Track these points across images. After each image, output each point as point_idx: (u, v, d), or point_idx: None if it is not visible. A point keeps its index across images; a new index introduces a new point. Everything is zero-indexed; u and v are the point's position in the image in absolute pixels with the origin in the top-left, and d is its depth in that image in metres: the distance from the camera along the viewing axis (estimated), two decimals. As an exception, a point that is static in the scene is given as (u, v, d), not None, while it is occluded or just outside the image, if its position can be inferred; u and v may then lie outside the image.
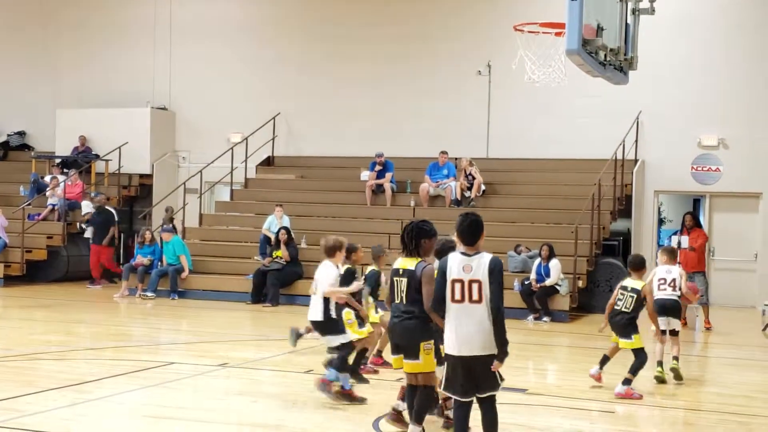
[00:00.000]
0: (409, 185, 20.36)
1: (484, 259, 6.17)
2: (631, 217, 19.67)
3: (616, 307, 9.67)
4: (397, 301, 6.91)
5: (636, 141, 19.70)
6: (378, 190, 20.18)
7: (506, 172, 20.27)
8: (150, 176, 23.14)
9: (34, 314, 15.81)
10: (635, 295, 9.56)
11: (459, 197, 19.26)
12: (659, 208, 20.60)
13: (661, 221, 21.13)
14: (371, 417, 7.99)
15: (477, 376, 6.18)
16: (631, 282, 9.69)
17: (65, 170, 22.23)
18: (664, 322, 10.44)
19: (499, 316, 6.14)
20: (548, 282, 15.67)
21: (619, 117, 19.39)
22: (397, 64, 21.85)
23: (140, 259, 18.61)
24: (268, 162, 22.72)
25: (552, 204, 19.03)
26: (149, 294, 17.97)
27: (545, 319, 15.64)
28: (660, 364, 10.17)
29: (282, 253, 17.84)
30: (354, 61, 22.21)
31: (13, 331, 13.73)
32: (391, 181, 20.08)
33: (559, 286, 15.81)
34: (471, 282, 6.11)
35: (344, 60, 22.29)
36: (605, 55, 7.68)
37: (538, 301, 15.80)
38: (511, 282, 16.60)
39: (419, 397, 6.89)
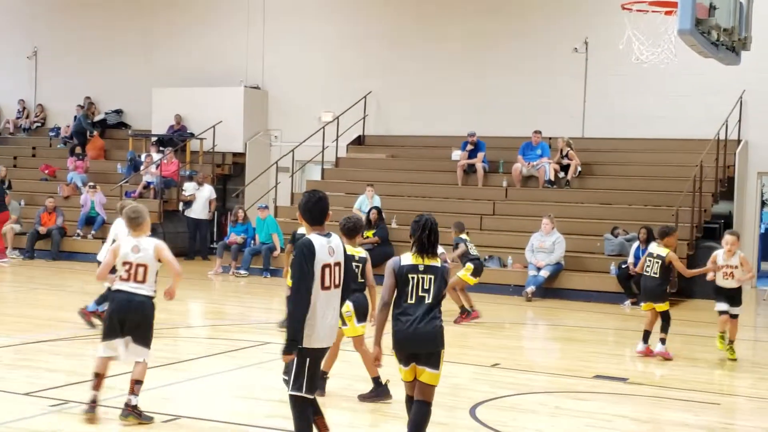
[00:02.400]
0: (501, 165, 20.05)
1: (336, 239, 5.79)
2: (733, 199, 19.01)
3: (645, 273, 10.78)
4: (411, 302, 5.96)
5: (739, 121, 18.98)
6: (469, 170, 19.92)
7: (603, 152, 19.78)
8: (243, 155, 23.35)
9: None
10: (660, 261, 10.58)
11: (553, 178, 18.89)
12: (762, 191, 19.86)
13: (763, 203, 20.40)
14: (468, 403, 7.84)
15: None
16: (656, 249, 10.75)
17: (161, 148, 22.59)
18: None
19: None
20: (647, 266, 15.22)
21: (721, 96, 18.70)
22: (489, 41, 21.49)
23: (234, 237, 18.82)
24: (359, 141, 22.66)
25: (650, 185, 18.49)
26: (242, 272, 18.16)
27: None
28: (729, 342, 10.76)
29: (372, 233, 17.79)
30: (445, 39, 21.93)
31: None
32: (483, 161, 19.79)
33: (658, 270, 15.34)
34: (336, 265, 5.72)
35: (436, 37, 22.03)
36: (718, 35, 7.33)
37: (636, 286, 15.38)
38: (607, 265, 16.26)
39: (426, 412, 5.99)
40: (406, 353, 5.95)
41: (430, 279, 5.96)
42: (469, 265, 12.92)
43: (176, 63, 24.36)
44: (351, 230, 7.86)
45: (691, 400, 8.72)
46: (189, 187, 21.10)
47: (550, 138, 19.55)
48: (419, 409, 5.96)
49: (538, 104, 20.70)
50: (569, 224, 17.26)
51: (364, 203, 18.73)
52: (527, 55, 21.05)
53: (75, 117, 24.59)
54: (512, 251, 17.24)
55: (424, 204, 19.37)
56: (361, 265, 7.96)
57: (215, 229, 22.58)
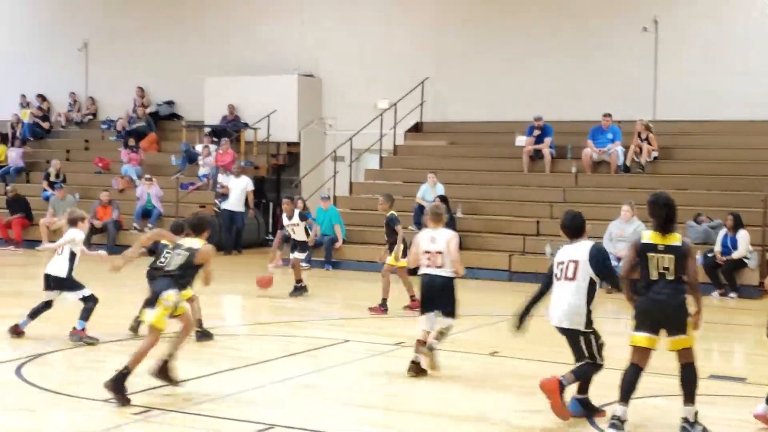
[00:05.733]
0: (569, 150, 19.28)
1: (583, 246, 7.20)
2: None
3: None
4: (654, 278, 6.78)
5: (821, 100, 18.09)
6: (536, 156, 19.18)
7: (676, 135, 18.93)
8: (297, 144, 22.79)
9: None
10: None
11: (628, 163, 18.07)
12: None
13: None
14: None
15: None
16: None
17: (215, 139, 22.09)
18: None
19: None
20: (736, 255, 14.43)
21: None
22: (552, 21, 20.71)
23: (294, 229, 18.20)
24: (417, 128, 21.99)
25: (730, 170, 17.65)
26: (304, 265, 17.53)
27: (732, 295, 14.42)
28: None
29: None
30: (506, 19, 21.22)
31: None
32: (550, 146, 19.03)
33: (748, 259, 14.53)
34: (570, 262, 7.14)
35: (495, 18, 21.32)
36: None
37: (724, 276, 14.60)
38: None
39: (692, 373, 6.88)
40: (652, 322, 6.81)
41: (670, 258, 6.68)
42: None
43: (228, 52, 23.82)
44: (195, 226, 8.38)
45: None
46: (222, 179, 20.51)
47: (620, 121, 18.75)
48: (685, 372, 6.89)
49: (606, 87, 19.89)
50: (645, 211, 16.43)
51: (428, 192, 18.08)
52: (593, 35, 20.27)
53: (131, 114, 24.21)
54: (585, 240, 16.46)
55: (488, 192, 18.75)
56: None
57: (271, 221, 22.10)
